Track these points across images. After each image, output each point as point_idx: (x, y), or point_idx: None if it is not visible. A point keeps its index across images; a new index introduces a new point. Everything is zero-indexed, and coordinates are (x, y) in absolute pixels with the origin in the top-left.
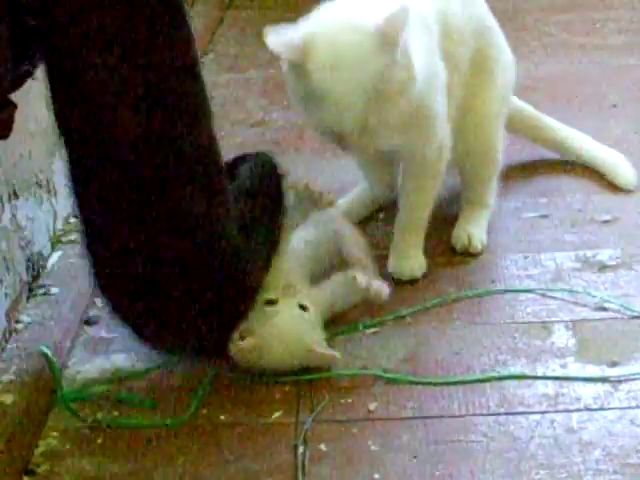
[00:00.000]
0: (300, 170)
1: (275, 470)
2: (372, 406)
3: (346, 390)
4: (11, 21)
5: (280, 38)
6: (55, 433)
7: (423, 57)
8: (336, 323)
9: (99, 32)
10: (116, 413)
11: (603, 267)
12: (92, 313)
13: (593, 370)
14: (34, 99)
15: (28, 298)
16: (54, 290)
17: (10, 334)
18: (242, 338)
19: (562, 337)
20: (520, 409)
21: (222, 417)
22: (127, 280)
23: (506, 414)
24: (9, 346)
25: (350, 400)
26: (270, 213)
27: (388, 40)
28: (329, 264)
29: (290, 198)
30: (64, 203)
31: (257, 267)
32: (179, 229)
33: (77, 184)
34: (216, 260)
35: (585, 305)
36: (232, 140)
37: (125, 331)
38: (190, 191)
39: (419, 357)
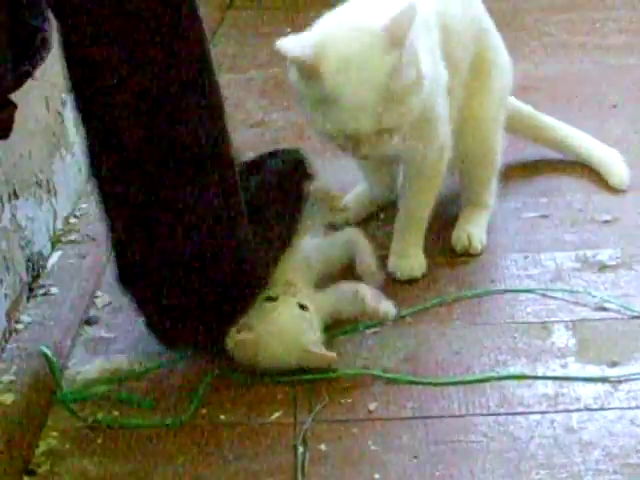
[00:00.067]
0: None
1: (275, 470)
2: (372, 406)
3: (346, 390)
4: (11, 21)
5: (292, 44)
6: (55, 433)
7: (426, 58)
8: (336, 323)
9: (110, 24)
10: (116, 413)
11: (603, 267)
12: (92, 313)
13: (593, 370)
14: (34, 99)
15: (28, 298)
16: (54, 290)
17: (10, 334)
18: (239, 332)
19: (562, 337)
20: (520, 409)
21: (222, 417)
22: (142, 272)
23: (506, 414)
24: (9, 346)
25: (350, 400)
26: (290, 211)
27: (395, 39)
28: (338, 271)
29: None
30: (64, 203)
31: (264, 264)
32: (187, 223)
33: (98, 183)
34: (222, 255)
35: (585, 305)
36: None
37: (125, 331)
38: (200, 187)
39: (419, 357)
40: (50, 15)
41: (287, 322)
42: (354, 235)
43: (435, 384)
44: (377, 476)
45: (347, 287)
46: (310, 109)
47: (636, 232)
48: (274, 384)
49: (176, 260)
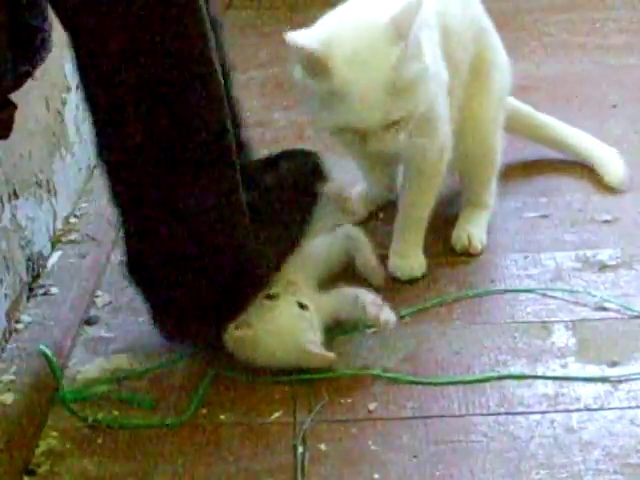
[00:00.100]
0: None
1: (275, 470)
2: (372, 406)
3: (346, 390)
4: (11, 21)
5: (302, 37)
6: (55, 433)
7: (428, 55)
8: (336, 323)
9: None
10: (116, 413)
11: (603, 267)
12: (92, 313)
13: (593, 370)
14: (34, 99)
15: (28, 298)
16: (54, 290)
17: (10, 334)
18: (238, 329)
19: (562, 337)
20: (520, 409)
21: (222, 417)
22: (147, 263)
23: (506, 414)
24: (9, 346)
25: (350, 400)
26: (302, 213)
27: (399, 31)
28: (338, 269)
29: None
30: (64, 203)
31: (267, 263)
32: (187, 220)
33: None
34: (221, 252)
35: (585, 305)
36: None
37: (125, 331)
38: (199, 185)
39: (419, 357)
40: (50, 15)
41: (286, 321)
42: (353, 232)
43: (435, 384)
44: (377, 476)
45: (348, 292)
46: (316, 106)
47: (636, 232)
48: (274, 384)
49: (176, 254)
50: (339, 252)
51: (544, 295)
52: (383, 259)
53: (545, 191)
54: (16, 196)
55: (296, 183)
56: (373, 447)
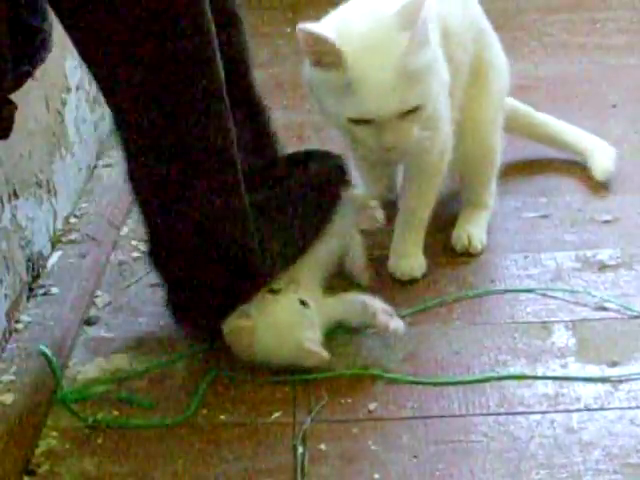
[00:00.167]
0: None
1: (275, 470)
2: (372, 406)
3: (346, 390)
4: (11, 21)
5: (314, 27)
6: (55, 433)
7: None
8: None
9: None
10: (116, 413)
11: (603, 267)
12: (92, 313)
13: (593, 370)
14: (34, 99)
15: (28, 298)
16: (54, 290)
17: (10, 334)
18: (237, 318)
19: (562, 337)
20: (520, 409)
21: (222, 417)
22: (161, 247)
23: (506, 414)
24: (9, 346)
25: (350, 400)
26: (321, 214)
27: (409, 19)
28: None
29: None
30: (64, 203)
31: (270, 259)
32: (191, 216)
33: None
34: (223, 248)
35: (585, 305)
36: None
37: (125, 331)
38: (203, 185)
39: (419, 357)
40: (50, 15)
41: (285, 316)
42: (350, 231)
43: (435, 384)
44: (377, 476)
45: (356, 298)
46: (330, 99)
47: (636, 232)
48: (274, 384)
49: (183, 246)
50: (337, 248)
51: (544, 295)
52: (383, 259)
53: (545, 191)
54: (16, 196)
55: (320, 185)
56: (373, 447)
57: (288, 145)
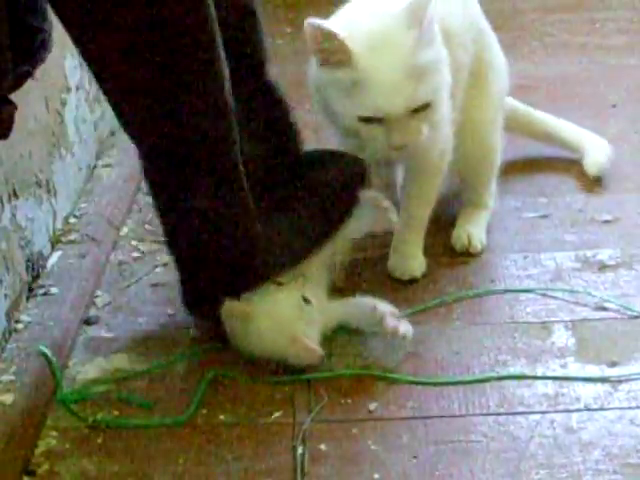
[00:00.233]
0: None
1: (275, 470)
2: (372, 406)
3: (346, 390)
4: (11, 21)
5: (325, 23)
6: (55, 433)
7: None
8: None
9: None
10: (116, 413)
11: (603, 267)
12: (92, 313)
13: (593, 370)
14: (34, 99)
15: (28, 298)
16: (54, 290)
17: (10, 334)
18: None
19: (562, 337)
20: (520, 409)
21: (222, 417)
22: (174, 235)
23: (506, 414)
24: (9, 346)
25: (350, 400)
26: (337, 216)
27: (415, 15)
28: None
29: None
30: (64, 203)
31: (278, 256)
32: (196, 213)
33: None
34: (226, 243)
35: (585, 305)
36: None
37: (125, 331)
38: (205, 183)
39: (419, 357)
40: (50, 15)
41: (285, 308)
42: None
43: (435, 384)
44: (377, 476)
45: (364, 302)
46: (339, 98)
47: (636, 232)
48: (274, 384)
49: (190, 240)
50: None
51: (544, 295)
52: (383, 259)
53: (545, 191)
54: (16, 196)
55: (339, 187)
56: (373, 447)
57: None
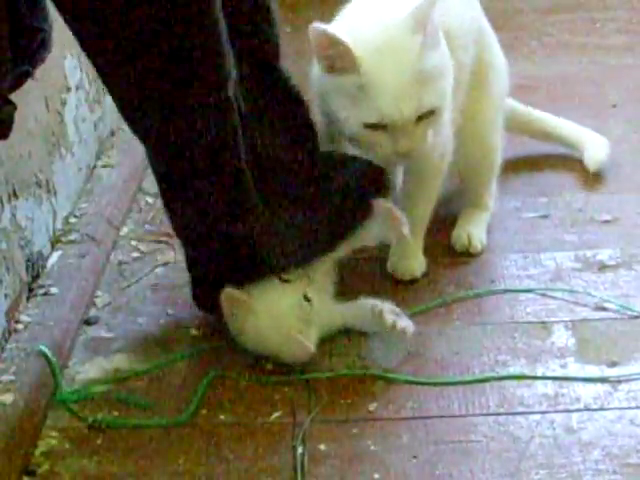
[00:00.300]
0: None
1: (275, 470)
2: (372, 406)
3: (346, 390)
4: (11, 21)
5: (330, 28)
6: (55, 433)
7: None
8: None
9: None
10: (116, 413)
11: (603, 267)
12: (92, 313)
13: (593, 370)
14: (34, 99)
15: (28, 298)
16: (54, 290)
17: (10, 334)
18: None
19: (562, 337)
20: (520, 409)
21: (222, 417)
22: (184, 230)
23: (506, 414)
24: (9, 346)
25: (350, 400)
26: (351, 221)
27: (420, 20)
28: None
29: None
30: (64, 203)
31: (284, 255)
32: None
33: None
34: (231, 241)
35: (585, 305)
36: None
37: (125, 331)
38: (207, 177)
39: (419, 357)
40: (50, 15)
41: (285, 304)
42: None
43: (435, 384)
44: (377, 476)
45: (365, 302)
46: (345, 105)
47: (636, 232)
48: (273, 384)
49: (196, 237)
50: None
51: (544, 295)
52: (383, 260)
53: (545, 191)
54: (16, 196)
55: (356, 194)
56: (373, 447)
57: None
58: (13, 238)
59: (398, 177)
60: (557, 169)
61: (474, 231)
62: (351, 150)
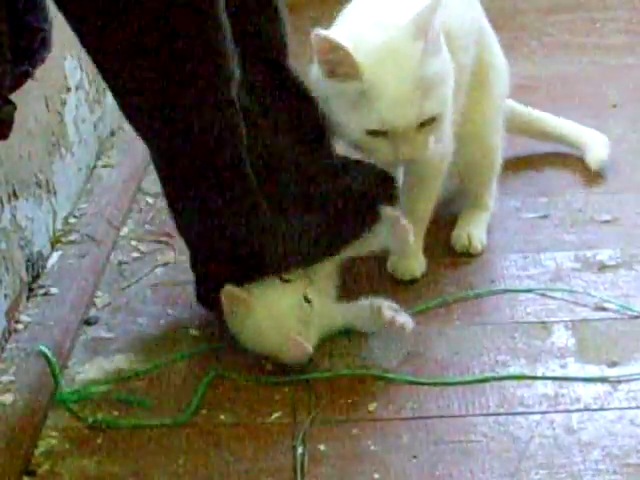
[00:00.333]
0: None
1: (275, 470)
2: (372, 406)
3: (346, 390)
4: (11, 21)
5: (332, 34)
6: (55, 433)
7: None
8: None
9: None
10: (116, 413)
11: (603, 267)
12: (92, 313)
13: (593, 370)
14: (34, 99)
15: (28, 298)
16: (54, 290)
17: (10, 334)
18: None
19: (562, 337)
20: (520, 409)
21: (222, 417)
22: (188, 230)
23: (506, 414)
24: (9, 346)
25: (350, 400)
26: (358, 226)
27: (421, 27)
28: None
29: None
30: (64, 203)
31: (286, 256)
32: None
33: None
34: (234, 239)
35: (585, 305)
36: None
37: (125, 331)
38: (210, 176)
39: (419, 357)
40: (50, 15)
41: (284, 303)
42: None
43: (435, 384)
44: (377, 476)
45: (364, 301)
46: (344, 112)
47: (636, 232)
48: (273, 384)
49: (200, 236)
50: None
51: (544, 295)
52: (383, 260)
53: (545, 191)
54: (16, 196)
55: (365, 199)
56: (373, 447)
57: None
58: (13, 238)
59: (398, 177)
60: (557, 169)
61: (474, 231)
62: (351, 153)
